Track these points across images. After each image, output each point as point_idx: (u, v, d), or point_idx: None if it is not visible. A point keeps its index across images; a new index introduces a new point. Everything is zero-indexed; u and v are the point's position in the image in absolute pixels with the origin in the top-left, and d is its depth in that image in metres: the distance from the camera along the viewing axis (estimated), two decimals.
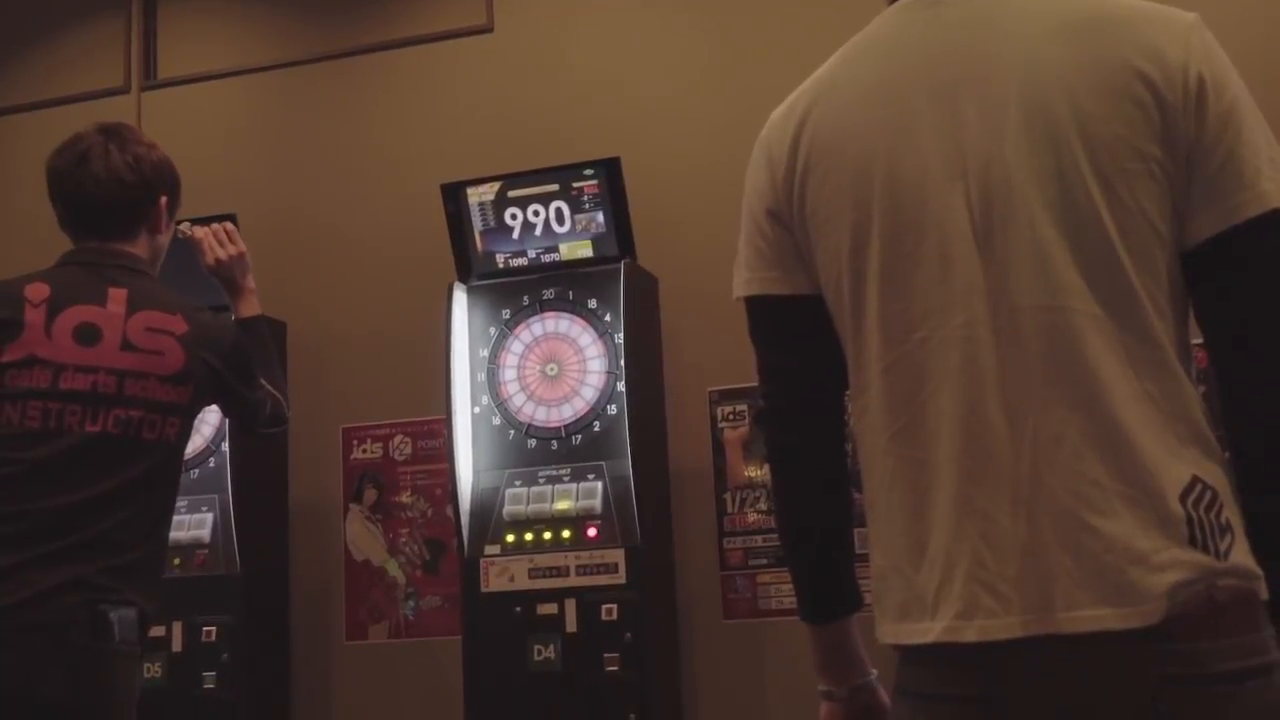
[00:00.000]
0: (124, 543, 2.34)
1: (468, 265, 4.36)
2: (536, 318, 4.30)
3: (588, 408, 4.19)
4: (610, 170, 4.19)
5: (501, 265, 4.34)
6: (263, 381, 2.67)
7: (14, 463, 2.31)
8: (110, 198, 2.49)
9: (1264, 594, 1.28)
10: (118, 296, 2.44)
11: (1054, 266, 1.31)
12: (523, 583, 4.02)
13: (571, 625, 3.96)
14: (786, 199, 1.48)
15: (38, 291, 2.42)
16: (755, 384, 1.58)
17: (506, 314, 4.33)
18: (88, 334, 2.39)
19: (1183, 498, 1.27)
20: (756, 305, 1.54)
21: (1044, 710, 1.28)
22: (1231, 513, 1.29)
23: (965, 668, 1.31)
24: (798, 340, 1.52)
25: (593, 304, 4.25)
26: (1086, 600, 1.25)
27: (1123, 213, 1.31)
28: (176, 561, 4.29)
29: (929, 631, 1.32)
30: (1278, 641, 1.29)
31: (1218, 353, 1.35)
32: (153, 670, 4.12)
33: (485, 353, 4.32)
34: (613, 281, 4.16)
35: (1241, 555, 1.28)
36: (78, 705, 2.25)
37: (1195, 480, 1.28)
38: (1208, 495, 1.28)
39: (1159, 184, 1.32)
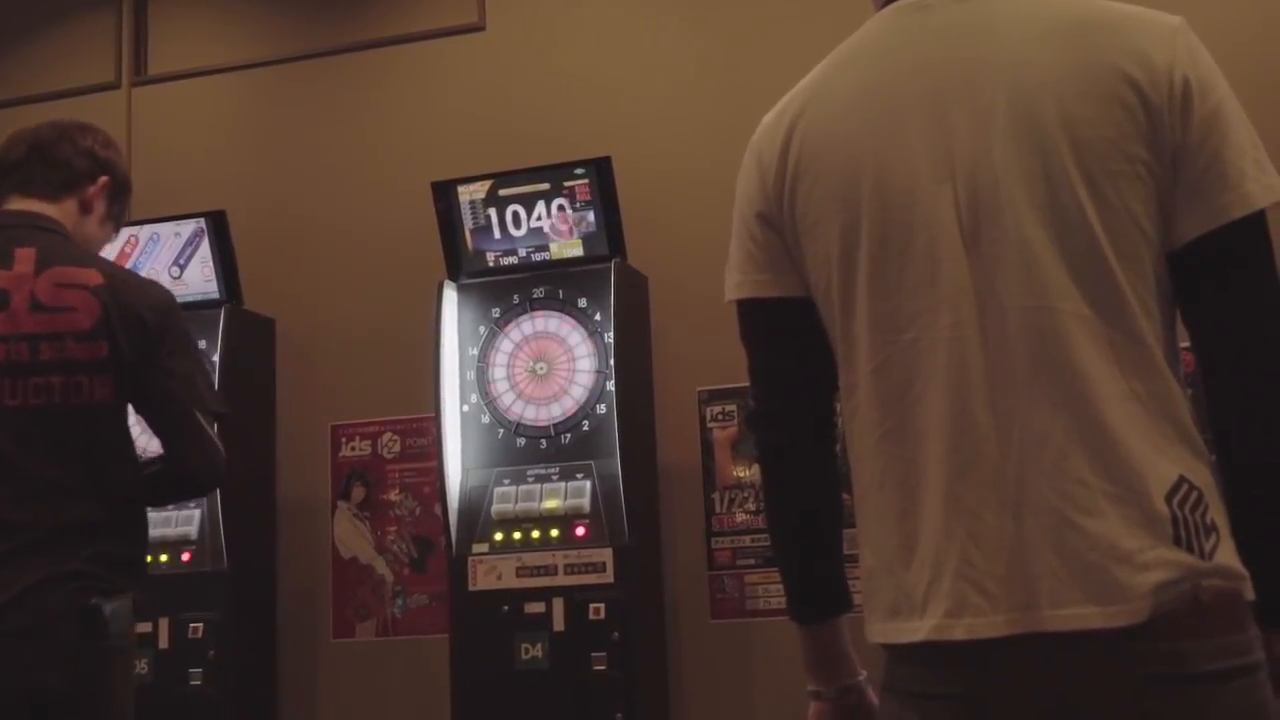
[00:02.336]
0: (93, 524, 2.20)
1: (458, 263, 4.36)
2: (526, 316, 4.31)
3: (577, 407, 4.19)
4: (601, 169, 4.19)
5: (492, 264, 4.34)
6: (201, 374, 2.44)
7: None
8: (48, 146, 2.37)
9: (1249, 594, 1.29)
10: (25, 256, 2.26)
11: (1041, 267, 1.32)
12: (510, 581, 4.02)
13: (559, 624, 3.96)
14: (777, 203, 1.49)
15: None
16: (744, 384, 1.59)
17: (496, 312, 4.33)
18: None
19: (1168, 497, 1.27)
20: (748, 308, 1.55)
21: (1029, 708, 1.29)
22: (1217, 513, 1.30)
23: (952, 666, 1.32)
24: (789, 342, 1.53)
25: (582, 303, 4.26)
26: (1072, 599, 1.26)
27: (1109, 214, 1.32)
28: (164, 558, 4.29)
29: (918, 630, 1.33)
30: (1262, 642, 1.30)
31: (1204, 354, 1.36)
32: (139, 667, 4.11)
33: (475, 351, 4.32)
34: (603, 281, 4.16)
35: (1226, 555, 1.29)
36: (71, 707, 2.13)
37: (1181, 480, 1.29)
38: (1193, 495, 1.29)
39: (1146, 185, 1.33)
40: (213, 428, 2.38)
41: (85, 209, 2.41)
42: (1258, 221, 1.33)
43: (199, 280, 4.56)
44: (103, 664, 2.18)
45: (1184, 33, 1.38)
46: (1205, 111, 1.33)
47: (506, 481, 4.16)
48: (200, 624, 4.27)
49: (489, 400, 4.27)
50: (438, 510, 4.36)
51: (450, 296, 4.33)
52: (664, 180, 4.57)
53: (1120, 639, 1.25)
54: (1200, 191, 1.33)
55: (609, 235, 4.21)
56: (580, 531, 4.03)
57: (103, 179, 2.43)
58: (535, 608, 3.98)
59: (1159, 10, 1.40)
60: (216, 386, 2.51)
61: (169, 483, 2.42)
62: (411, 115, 4.98)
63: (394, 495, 4.74)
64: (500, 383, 4.28)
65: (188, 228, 4.59)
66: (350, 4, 5.15)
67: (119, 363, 2.25)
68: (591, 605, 3.94)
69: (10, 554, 2.13)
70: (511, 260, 4.32)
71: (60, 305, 2.23)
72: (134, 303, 2.29)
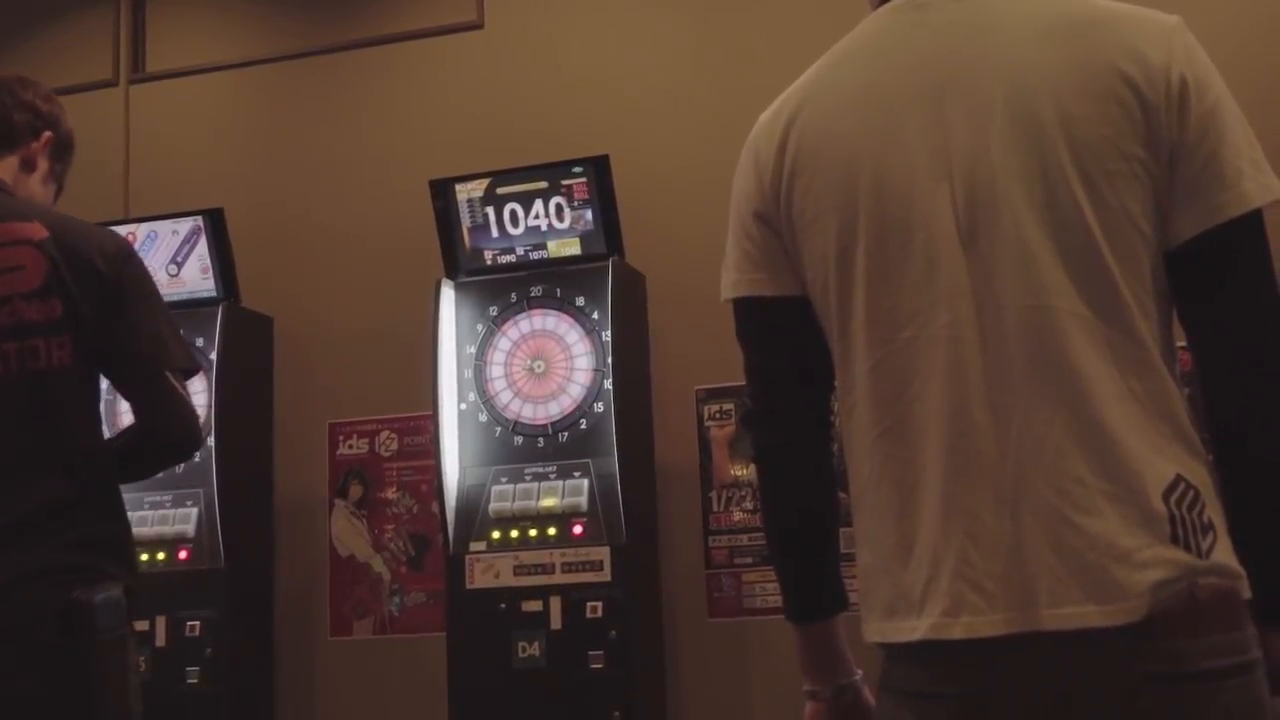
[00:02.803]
0: (68, 504, 2.05)
1: (455, 261, 4.36)
2: (524, 314, 4.30)
3: (574, 405, 4.19)
4: (599, 168, 4.19)
5: (489, 262, 4.34)
6: (168, 328, 2.23)
7: None
8: None
9: (1246, 593, 1.29)
10: None
11: (1038, 266, 1.32)
12: (508, 579, 4.02)
13: (556, 622, 3.96)
14: (774, 201, 1.48)
15: None
16: (742, 383, 1.59)
17: (494, 310, 4.33)
18: None
19: (1165, 496, 1.28)
20: (744, 306, 1.55)
21: (1027, 706, 1.29)
22: (1214, 511, 1.30)
23: (950, 665, 1.32)
24: (785, 341, 1.53)
25: (580, 301, 4.25)
26: (1070, 598, 1.26)
27: (1106, 213, 1.32)
28: (161, 556, 4.29)
29: (915, 629, 1.33)
30: (1259, 640, 1.30)
31: (1201, 352, 1.36)
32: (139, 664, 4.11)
33: (472, 349, 4.32)
34: (600, 279, 4.16)
35: (1223, 554, 1.29)
36: (52, 711, 1.98)
37: (1178, 479, 1.29)
38: (1190, 494, 1.29)
39: (1143, 184, 1.33)
40: (184, 386, 2.21)
41: (28, 166, 2.28)
42: (1254, 220, 1.34)
43: (196, 278, 4.55)
44: (90, 661, 2.02)
45: (1181, 32, 1.38)
46: (1202, 110, 1.34)
47: (504, 480, 4.16)
48: (197, 622, 4.27)
49: (486, 399, 4.27)
50: (435, 508, 4.37)
51: (448, 295, 4.33)
52: (662, 179, 4.57)
53: (1118, 637, 1.25)
54: (1197, 190, 1.33)
55: (607, 234, 4.21)
56: (578, 530, 4.03)
57: (46, 134, 2.29)
58: (532, 606, 3.98)
59: (1157, 10, 1.40)
60: (189, 347, 2.37)
61: (144, 450, 2.23)
62: (409, 113, 4.97)
63: (391, 493, 4.74)
64: (498, 381, 4.28)
65: (185, 225, 4.59)
66: (348, 2, 5.15)
67: (76, 321, 2.09)
68: (589, 604, 3.94)
69: None
70: (509, 258, 4.32)
71: (6, 265, 2.07)
72: (84, 253, 2.12)
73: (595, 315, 4.22)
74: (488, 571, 4.05)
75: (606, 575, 3.94)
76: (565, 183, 4.23)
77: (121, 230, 4.53)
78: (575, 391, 4.20)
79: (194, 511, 4.38)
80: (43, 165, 2.30)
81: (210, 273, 4.56)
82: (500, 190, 4.30)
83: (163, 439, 2.22)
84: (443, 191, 4.34)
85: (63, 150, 2.35)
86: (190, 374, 2.28)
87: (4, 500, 2.02)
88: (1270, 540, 1.33)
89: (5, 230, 2.10)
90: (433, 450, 4.27)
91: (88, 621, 2.00)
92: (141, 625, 4.01)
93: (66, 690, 2.00)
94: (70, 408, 2.10)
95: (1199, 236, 1.33)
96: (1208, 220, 1.33)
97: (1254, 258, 1.35)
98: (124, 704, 2.10)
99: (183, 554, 4.34)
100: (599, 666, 3.89)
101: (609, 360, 4.13)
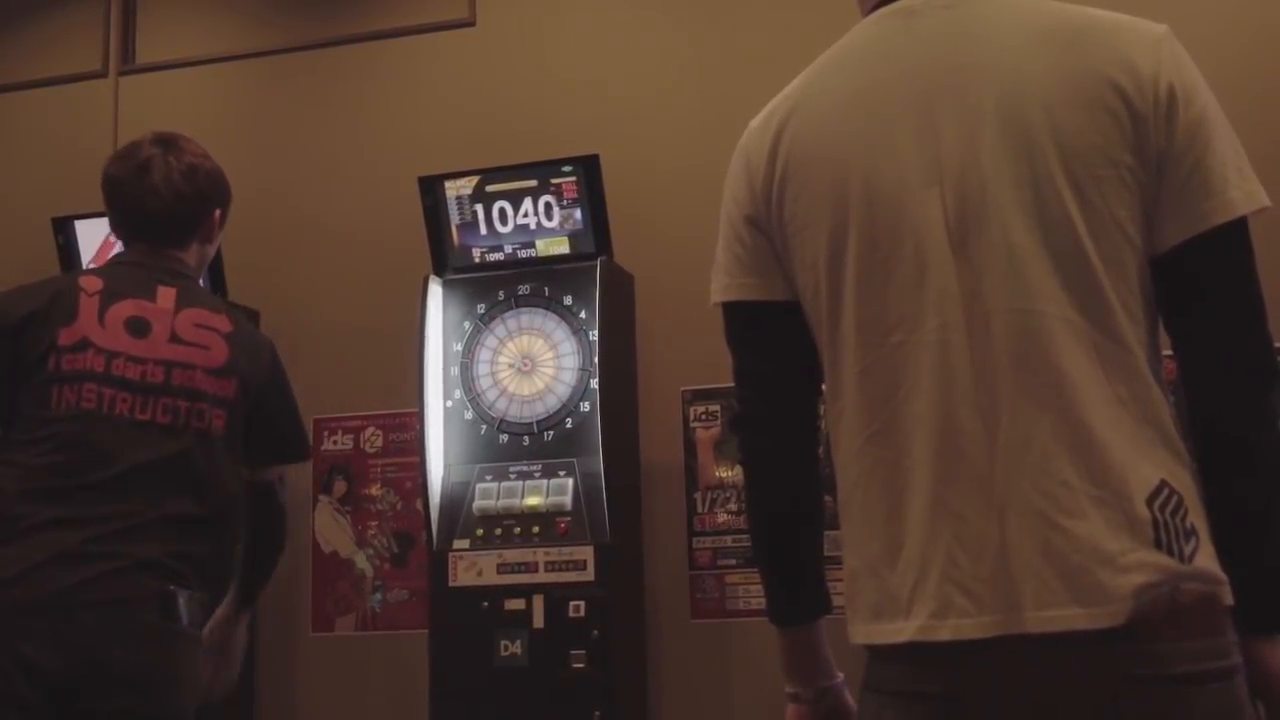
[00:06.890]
0: (184, 523, 2.38)
1: (444, 258, 4.36)
2: (511, 313, 4.30)
3: (560, 404, 4.19)
4: (589, 167, 4.19)
5: (478, 259, 4.34)
6: (295, 422, 2.72)
7: (75, 444, 2.34)
8: (168, 211, 2.56)
9: (1228, 599, 1.30)
10: (167, 294, 2.50)
11: (1027, 271, 1.33)
12: (491, 578, 4.02)
13: (539, 621, 3.96)
14: (765, 206, 1.49)
15: (92, 283, 2.48)
16: (728, 385, 1.59)
17: (481, 308, 4.33)
18: (138, 327, 2.45)
19: (1149, 501, 1.28)
20: (733, 310, 1.55)
21: (1008, 707, 1.30)
22: (1197, 517, 1.31)
23: (935, 666, 1.33)
24: (773, 345, 1.53)
25: (568, 301, 4.26)
26: (1056, 600, 1.27)
27: (1095, 219, 1.33)
28: None
29: (902, 631, 1.33)
30: (1240, 647, 1.31)
31: (1185, 358, 1.37)
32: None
33: (459, 347, 4.31)
34: (589, 279, 4.16)
35: (1206, 559, 1.30)
36: (143, 681, 2.27)
37: (1162, 484, 1.30)
38: (1174, 499, 1.30)
39: (1131, 191, 1.34)
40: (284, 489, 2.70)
41: (205, 241, 2.65)
42: (1240, 228, 1.35)
43: None
44: (176, 647, 2.34)
45: (1169, 40, 1.39)
46: (1189, 118, 1.35)
47: (489, 478, 4.16)
48: None
49: (472, 396, 4.26)
50: (419, 505, 4.36)
51: (435, 292, 4.33)
52: (652, 179, 4.58)
53: (1101, 640, 1.26)
54: (1183, 197, 1.34)
55: (595, 233, 4.21)
56: (561, 529, 4.03)
57: (217, 213, 2.65)
58: (515, 604, 3.98)
59: (1146, 19, 1.41)
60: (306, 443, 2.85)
61: (262, 557, 2.72)
62: (400, 109, 4.97)
63: (375, 490, 4.73)
64: (484, 379, 4.28)
65: None
66: None
67: (236, 404, 2.51)
68: (571, 603, 3.94)
69: (111, 535, 2.30)
70: (497, 256, 4.32)
71: (196, 342, 2.49)
72: (252, 354, 2.57)
73: (583, 315, 4.22)
74: (471, 569, 4.04)
75: (590, 575, 3.94)
76: (555, 182, 4.23)
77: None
78: (561, 390, 4.20)
79: None
80: (216, 231, 2.67)
81: None
82: (490, 188, 4.30)
83: (276, 541, 2.74)
84: (432, 188, 4.34)
85: (229, 204, 2.71)
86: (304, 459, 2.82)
87: (138, 504, 2.34)
88: (1251, 546, 1.34)
89: (201, 315, 2.52)
90: (417, 447, 4.27)
91: (179, 611, 2.33)
92: None
93: (156, 665, 2.30)
94: (213, 463, 2.46)
95: (1185, 243, 1.34)
96: (1193, 227, 1.34)
97: (1239, 265, 1.36)
98: (193, 693, 2.40)
99: None
100: (580, 666, 3.89)
101: (595, 360, 4.13)
